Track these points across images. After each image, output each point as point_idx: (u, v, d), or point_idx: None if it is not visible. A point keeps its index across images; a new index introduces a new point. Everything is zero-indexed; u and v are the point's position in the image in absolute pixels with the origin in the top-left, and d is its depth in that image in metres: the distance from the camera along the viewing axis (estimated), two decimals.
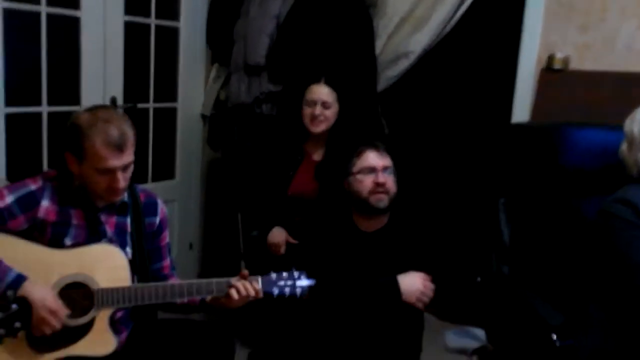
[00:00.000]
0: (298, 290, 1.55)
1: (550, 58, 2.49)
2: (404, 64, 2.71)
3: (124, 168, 1.48)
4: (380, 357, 1.77)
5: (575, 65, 2.47)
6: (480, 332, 2.73)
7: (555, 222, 1.80)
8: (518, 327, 1.72)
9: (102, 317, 1.47)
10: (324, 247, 1.87)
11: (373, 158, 1.86)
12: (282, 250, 2.27)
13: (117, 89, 2.55)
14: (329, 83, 2.30)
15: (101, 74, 2.49)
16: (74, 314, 1.44)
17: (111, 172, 1.45)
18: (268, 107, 2.80)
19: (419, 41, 2.64)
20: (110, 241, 1.56)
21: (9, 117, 2.25)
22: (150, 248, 1.64)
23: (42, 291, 1.38)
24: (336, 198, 2.06)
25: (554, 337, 1.50)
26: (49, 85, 2.33)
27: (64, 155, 1.50)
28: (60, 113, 2.38)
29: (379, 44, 2.70)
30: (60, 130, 1.53)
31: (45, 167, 2.37)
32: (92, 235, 1.54)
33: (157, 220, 1.66)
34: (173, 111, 2.91)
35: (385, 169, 1.84)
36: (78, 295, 1.46)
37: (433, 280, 1.79)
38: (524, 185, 1.87)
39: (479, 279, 1.89)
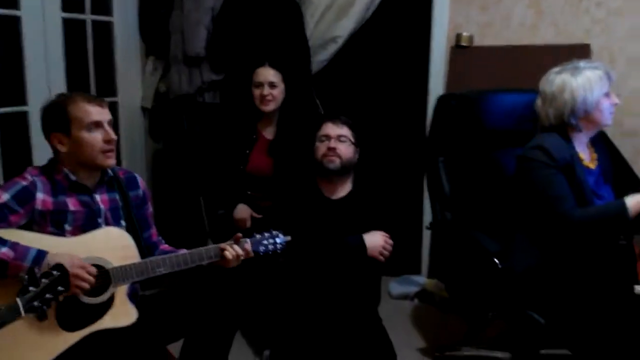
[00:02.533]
0: (278, 247, 1.78)
1: (458, 36, 2.88)
2: (332, 48, 2.97)
3: (109, 124, 1.64)
4: (349, 306, 2.04)
5: (478, 41, 2.88)
6: (418, 279, 3.10)
7: (482, 171, 2.17)
8: (465, 258, 2.07)
9: (120, 292, 1.59)
10: (294, 212, 2.12)
11: (328, 128, 2.16)
12: (248, 224, 2.46)
13: (60, 87, 2.55)
14: (272, 65, 2.50)
15: (44, 72, 2.48)
16: (95, 293, 1.55)
17: (100, 125, 1.61)
18: (210, 96, 2.93)
19: (345, 26, 2.92)
20: (106, 219, 1.68)
21: None
22: (139, 219, 1.78)
23: (67, 255, 1.49)
24: (294, 171, 2.31)
25: (496, 260, 1.85)
26: None
27: (50, 138, 1.62)
28: (9, 114, 2.37)
29: (308, 31, 2.94)
30: (43, 117, 1.63)
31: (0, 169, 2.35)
32: (90, 215, 1.65)
33: (140, 192, 1.82)
34: (114, 105, 2.94)
35: (339, 137, 2.13)
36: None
37: (391, 238, 2.10)
38: (457, 144, 2.21)
39: (427, 225, 2.23)
